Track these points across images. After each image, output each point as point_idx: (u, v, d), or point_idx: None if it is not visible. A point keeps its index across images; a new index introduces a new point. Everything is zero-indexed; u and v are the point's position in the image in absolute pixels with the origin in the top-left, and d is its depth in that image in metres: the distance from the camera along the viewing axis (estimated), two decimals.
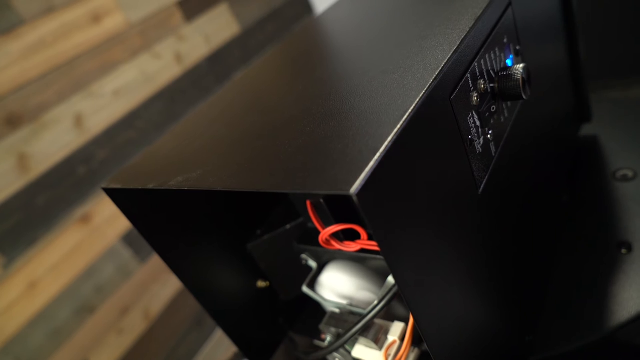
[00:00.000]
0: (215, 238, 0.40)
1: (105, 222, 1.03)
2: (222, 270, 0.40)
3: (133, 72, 1.09)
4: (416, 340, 0.35)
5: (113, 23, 1.05)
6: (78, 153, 1.00)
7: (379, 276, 0.35)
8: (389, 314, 0.34)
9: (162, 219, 0.35)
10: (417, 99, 0.21)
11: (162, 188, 0.25)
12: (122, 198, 0.31)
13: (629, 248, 0.37)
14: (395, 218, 0.19)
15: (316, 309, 0.43)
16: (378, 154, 0.18)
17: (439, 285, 0.23)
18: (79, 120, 1.00)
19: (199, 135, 0.31)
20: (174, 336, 1.15)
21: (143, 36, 1.11)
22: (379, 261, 0.33)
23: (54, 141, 0.96)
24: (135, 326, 1.07)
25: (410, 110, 0.20)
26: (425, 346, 0.35)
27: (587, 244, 0.39)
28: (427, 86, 0.21)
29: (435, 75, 0.22)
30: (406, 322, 0.32)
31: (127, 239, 1.07)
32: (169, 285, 1.15)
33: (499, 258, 0.30)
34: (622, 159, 0.45)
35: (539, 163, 0.37)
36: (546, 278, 0.37)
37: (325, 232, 0.32)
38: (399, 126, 0.19)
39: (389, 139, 0.19)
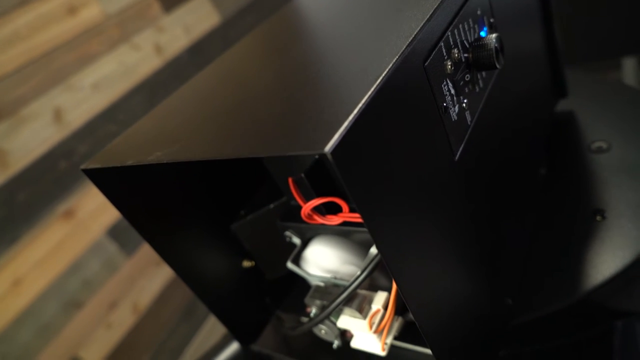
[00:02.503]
0: (199, 219, 0.40)
1: (89, 216, 1.02)
2: (208, 252, 0.40)
3: (112, 64, 1.07)
4: (400, 310, 0.35)
5: (89, 14, 1.03)
6: (58, 147, 0.98)
7: (363, 249, 0.35)
8: (372, 285, 0.35)
9: (145, 200, 0.35)
10: (391, 64, 0.21)
11: (141, 164, 0.25)
12: (103, 179, 0.31)
13: (603, 215, 0.38)
14: (372, 178, 0.19)
15: (302, 288, 0.44)
16: (352, 115, 0.18)
17: (419, 249, 0.24)
18: (58, 114, 0.98)
19: (177, 114, 0.31)
20: (164, 329, 1.14)
21: (121, 27, 1.10)
22: (362, 234, 0.33)
23: (33, 136, 0.94)
24: (124, 320, 1.06)
25: (384, 74, 0.20)
26: (409, 316, 0.36)
27: (563, 212, 0.40)
28: (401, 52, 0.22)
29: (408, 42, 0.23)
30: (389, 291, 0.32)
31: (112, 233, 1.06)
32: (157, 278, 1.14)
33: (477, 224, 0.30)
34: (597, 131, 0.46)
35: (516, 135, 0.38)
36: (524, 245, 0.38)
37: (307, 206, 0.33)
38: (373, 88, 0.20)
39: (363, 100, 0.19)
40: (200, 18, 1.29)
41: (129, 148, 0.29)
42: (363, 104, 0.19)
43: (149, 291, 1.13)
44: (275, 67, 0.31)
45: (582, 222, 0.38)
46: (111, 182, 0.31)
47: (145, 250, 1.12)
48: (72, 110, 1.01)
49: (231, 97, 0.29)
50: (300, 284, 0.48)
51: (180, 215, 0.38)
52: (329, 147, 0.17)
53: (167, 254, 0.37)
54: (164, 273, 1.16)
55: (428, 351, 0.37)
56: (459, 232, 0.28)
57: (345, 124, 0.18)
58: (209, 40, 1.30)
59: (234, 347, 0.48)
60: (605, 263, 0.35)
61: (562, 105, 0.51)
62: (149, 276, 1.13)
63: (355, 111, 0.18)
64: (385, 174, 0.20)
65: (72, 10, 1.00)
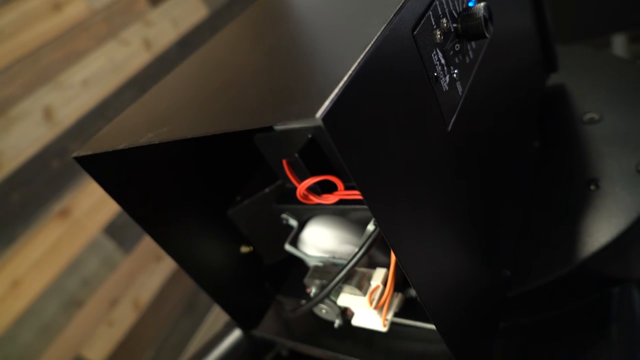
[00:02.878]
0: (196, 207, 0.40)
1: (85, 215, 1.02)
2: (206, 239, 0.40)
3: (101, 61, 1.06)
4: (399, 286, 0.36)
5: (75, 10, 1.02)
6: (50, 147, 0.97)
7: (360, 228, 0.36)
8: (370, 263, 0.35)
9: (140, 188, 0.34)
10: (379, 32, 0.21)
11: (134, 146, 0.25)
12: (96, 167, 0.30)
13: (597, 184, 0.38)
14: (365, 145, 0.19)
15: (301, 271, 0.44)
16: (342, 82, 0.18)
17: (415, 219, 0.24)
18: (48, 113, 0.97)
19: (166, 99, 0.31)
20: (166, 324, 1.15)
21: (108, 23, 1.09)
22: (359, 212, 0.33)
23: (24, 136, 0.93)
24: (125, 317, 1.06)
25: (373, 42, 0.20)
26: (409, 292, 0.36)
27: (557, 183, 0.40)
28: (389, 20, 0.22)
29: (396, 10, 0.22)
30: (388, 268, 0.33)
31: (109, 230, 1.06)
32: (157, 273, 1.14)
33: (472, 196, 0.30)
34: (589, 103, 0.46)
35: (508, 108, 0.38)
36: (520, 216, 0.38)
37: (302, 186, 0.33)
38: (362, 56, 0.19)
39: (353, 67, 0.19)
40: (188, 11, 1.28)
41: (120, 133, 0.29)
42: (353, 71, 0.19)
43: (149, 287, 1.13)
44: (262, 47, 0.30)
45: (576, 192, 0.38)
46: (104, 169, 0.31)
47: (144, 247, 1.12)
48: (63, 109, 1.00)
49: (219, 79, 0.28)
50: (299, 268, 0.48)
51: (176, 203, 0.38)
52: (320, 114, 0.17)
53: (165, 242, 0.37)
54: (164, 269, 1.16)
55: (429, 326, 0.37)
56: (455, 203, 0.28)
57: (336, 90, 0.18)
58: (197, 33, 1.29)
59: (236, 334, 0.48)
60: (600, 231, 0.35)
61: (553, 80, 0.51)
62: (149, 272, 1.13)
63: (345, 78, 0.18)
64: (378, 142, 0.20)
65: (57, 7, 0.99)
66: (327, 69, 0.21)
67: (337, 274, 0.31)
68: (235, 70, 0.28)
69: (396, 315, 0.38)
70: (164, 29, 1.20)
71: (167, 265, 1.17)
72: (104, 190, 0.32)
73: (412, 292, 0.37)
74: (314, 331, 0.44)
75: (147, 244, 1.13)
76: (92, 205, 1.04)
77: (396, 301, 0.34)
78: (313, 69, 0.22)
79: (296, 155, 0.32)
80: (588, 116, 0.44)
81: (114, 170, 0.32)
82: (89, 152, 0.28)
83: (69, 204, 1.00)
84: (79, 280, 1.00)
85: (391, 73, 0.21)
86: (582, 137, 0.43)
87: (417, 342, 0.39)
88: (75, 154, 0.30)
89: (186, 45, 1.25)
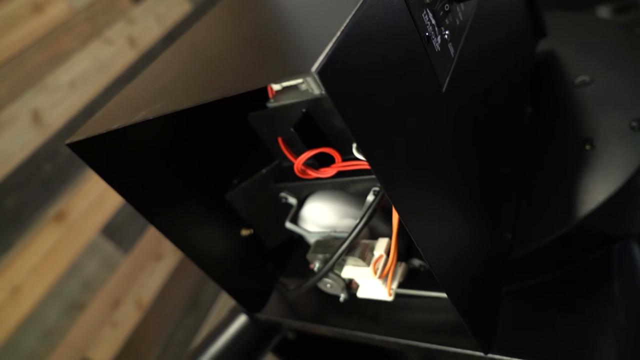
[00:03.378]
0: (193, 191, 0.39)
1: (81, 217, 1.01)
2: (206, 223, 0.40)
3: (86, 61, 1.05)
4: (401, 257, 0.36)
5: (57, 11, 1.01)
6: (41, 150, 0.96)
7: (360, 201, 0.36)
8: (372, 235, 0.35)
9: (137, 173, 0.34)
10: None
11: (128, 124, 0.25)
12: (90, 152, 0.30)
13: (592, 144, 0.38)
14: (362, 100, 0.19)
15: (303, 253, 0.44)
16: (335, 38, 0.18)
17: (416, 179, 0.24)
18: (36, 117, 0.96)
19: (157, 79, 0.31)
20: (170, 322, 1.14)
21: (91, 22, 1.07)
22: (358, 184, 0.33)
23: (14, 140, 0.92)
24: (129, 317, 1.06)
25: (363, 1, 0.20)
26: (412, 262, 0.37)
27: (553, 145, 0.40)
28: None
29: None
30: (390, 237, 0.33)
31: (106, 231, 1.05)
32: (157, 272, 1.14)
33: (470, 159, 0.30)
34: (579, 66, 0.46)
35: (500, 72, 0.38)
36: (517, 179, 0.38)
37: (300, 160, 0.32)
38: (353, 13, 0.19)
39: (345, 23, 0.19)
40: (171, 6, 1.27)
41: (113, 115, 0.28)
42: (345, 27, 0.19)
43: (150, 286, 1.12)
44: (248, 22, 0.30)
45: (572, 153, 0.38)
46: (99, 155, 0.31)
47: (143, 246, 1.12)
48: (51, 111, 0.99)
49: (207, 54, 0.28)
50: (300, 250, 0.48)
51: (175, 188, 0.38)
52: (315, 67, 0.17)
53: (167, 229, 0.37)
54: (164, 267, 1.15)
55: (434, 294, 0.37)
56: (454, 165, 0.28)
57: (330, 45, 0.18)
58: (182, 29, 1.28)
59: (241, 319, 0.48)
60: (598, 188, 0.35)
61: (543, 46, 0.51)
62: (149, 271, 1.13)
63: (338, 34, 0.18)
64: (374, 98, 0.20)
65: (38, 8, 0.98)
66: (318, 30, 0.21)
67: (340, 246, 0.31)
68: (224, 44, 0.28)
69: (400, 286, 0.39)
70: (148, 26, 1.19)
71: (167, 263, 1.17)
72: (100, 177, 0.32)
73: (415, 262, 0.37)
74: (320, 310, 0.44)
75: (146, 243, 1.13)
76: (88, 207, 1.04)
77: (400, 270, 0.34)
78: (304, 32, 0.22)
79: (292, 129, 0.32)
80: (579, 79, 0.45)
81: (110, 156, 0.32)
82: (82, 137, 0.28)
83: (64, 207, 1.00)
84: (80, 283, 0.99)
85: (384, 32, 0.21)
86: (575, 100, 0.43)
87: (423, 312, 0.39)
88: (68, 141, 0.29)
89: (171, 41, 1.24)
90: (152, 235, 1.14)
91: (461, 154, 0.29)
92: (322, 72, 0.17)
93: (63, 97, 1.01)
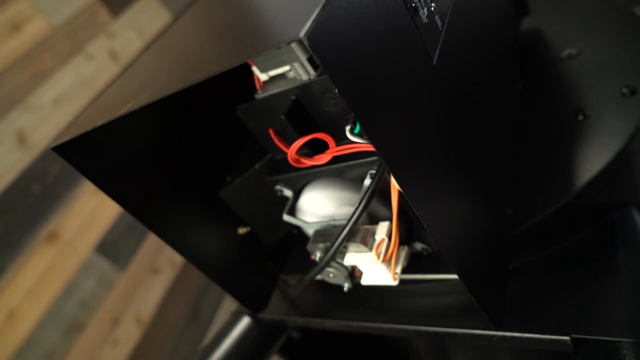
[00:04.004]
0: (186, 192, 0.39)
1: (74, 236, 1.00)
2: (202, 224, 0.39)
3: (69, 78, 1.04)
4: (403, 241, 0.35)
5: (35, 29, 1.00)
6: (28, 171, 0.95)
7: (356, 187, 0.35)
8: (372, 220, 0.34)
9: (126, 175, 0.33)
10: None
11: (114, 118, 0.24)
12: (77, 155, 0.29)
13: (585, 114, 0.38)
14: (354, 70, 0.19)
15: (302, 250, 0.43)
16: (321, 5, 0.17)
17: (416, 154, 0.23)
18: (21, 137, 0.95)
19: (137, 77, 0.30)
20: (172, 336, 1.13)
21: (71, 38, 1.06)
22: (354, 169, 0.33)
23: (0, 163, 0.91)
24: (129, 335, 1.04)
25: None
26: (415, 246, 0.36)
27: (545, 118, 0.40)
28: None
29: None
30: (390, 220, 0.32)
31: (101, 249, 1.04)
32: (155, 286, 1.12)
33: (465, 134, 0.30)
34: (565, 40, 0.46)
35: (486, 49, 0.38)
36: (514, 154, 0.38)
37: (293, 149, 0.32)
38: None
39: None
40: (151, 18, 1.26)
41: (97, 113, 0.28)
42: None
43: (149, 301, 1.11)
44: (228, 9, 0.30)
45: (565, 125, 0.38)
46: (88, 157, 0.30)
47: (139, 261, 1.10)
48: (36, 131, 0.98)
49: (190, 44, 0.28)
50: (300, 246, 0.47)
51: (167, 189, 0.37)
52: (304, 32, 0.16)
53: (162, 232, 0.36)
54: (162, 281, 1.14)
55: (439, 277, 0.37)
56: (451, 140, 0.28)
57: (316, 11, 0.17)
58: None
59: (244, 321, 0.47)
60: (594, 157, 0.35)
61: (527, 24, 0.51)
62: (147, 286, 1.11)
63: (324, 2, 0.18)
64: (367, 68, 0.20)
65: (16, 27, 0.96)
66: (300, 7, 0.20)
67: (341, 233, 0.30)
68: (203, 34, 0.27)
69: (405, 272, 0.38)
70: (129, 39, 1.18)
71: (165, 276, 1.15)
72: (90, 182, 0.31)
73: (417, 246, 0.37)
74: (324, 305, 0.43)
75: (142, 258, 1.11)
76: (80, 225, 1.02)
77: (403, 254, 0.34)
78: (284, 12, 0.21)
79: (282, 117, 0.31)
80: (566, 52, 0.44)
81: (98, 157, 0.31)
82: (68, 138, 0.27)
83: (56, 227, 0.98)
84: (77, 303, 0.97)
85: (370, 1, 0.21)
86: (564, 73, 0.43)
87: (429, 297, 0.38)
88: (54, 144, 0.29)
89: None
90: (148, 250, 1.13)
91: (457, 128, 0.29)
92: (312, 37, 0.16)
93: (47, 115, 1.00)
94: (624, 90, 0.37)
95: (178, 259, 1.16)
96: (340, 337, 0.60)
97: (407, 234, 0.35)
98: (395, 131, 0.22)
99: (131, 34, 1.19)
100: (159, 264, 1.14)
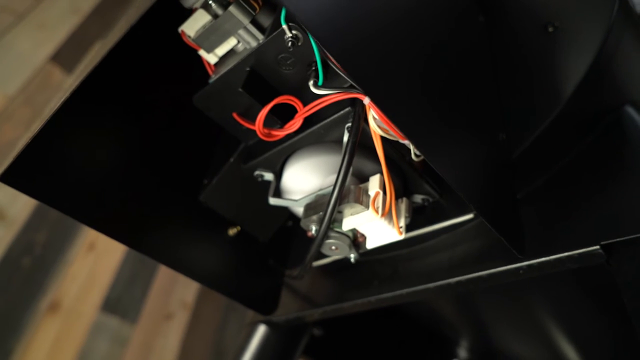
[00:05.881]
0: (162, 203, 0.36)
1: (76, 301, 0.96)
2: (189, 234, 0.37)
3: None
4: (400, 193, 0.33)
5: None
6: (14, 246, 0.92)
7: (338, 152, 0.32)
8: (361, 178, 0.32)
9: (90, 194, 0.31)
10: None
11: (50, 118, 0.22)
12: (26, 180, 0.27)
13: (554, 26, 0.36)
14: None
15: (302, 238, 0.40)
16: None
17: (399, 82, 0.22)
18: (0, 214, 0.92)
19: None
20: None
21: (29, 104, 1.04)
22: (331, 131, 0.30)
23: None
24: None
25: None
26: (414, 198, 0.34)
27: (517, 39, 0.38)
28: None
29: None
30: (381, 172, 0.30)
31: (107, 307, 1.00)
32: (172, 332, 1.08)
33: (439, 60, 0.28)
34: None
35: None
36: (492, 83, 0.36)
37: (259, 121, 0.30)
38: None
39: None
40: None
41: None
42: None
43: (169, 349, 1.06)
44: None
45: (537, 40, 0.36)
46: (37, 180, 0.27)
47: (149, 310, 1.07)
48: (13, 204, 0.95)
49: None
50: (299, 237, 0.45)
51: (141, 205, 0.35)
52: None
53: (149, 250, 0.34)
54: (178, 324, 1.10)
55: (446, 223, 0.34)
56: (432, 66, 0.26)
57: None
58: None
59: (261, 330, 0.44)
60: (574, 63, 0.33)
61: None
62: (163, 334, 1.07)
63: None
64: None
65: None
66: None
67: (331, 196, 0.28)
68: None
69: (410, 229, 0.36)
70: None
71: (179, 320, 1.11)
72: (55, 209, 0.29)
73: (417, 198, 0.34)
74: (336, 290, 0.41)
75: (152, 306, 1.08)
76: (80, 288, 0.99)
77: (403, 207, 0.31)
78: None
79: (240, 89, 0.29)
80: None
81: (49, 179, 0.28)
82: (9, 162, 0.25)
83: (55, 296, 0.95)
84: None
85: None
86: None
87: (441, 251, 0.36)
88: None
89: None
90: (156, 297, 1.09)
91: (430, 54, 0.27)
92: None
93: None
94: None
95: (189, 298, 1.13)
96: (365, 326, 0.57)
97: (402, 186, 0.33)
98: (373, 57, 0.20)
99: None
100: (170, 308, 1.10)
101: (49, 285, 0.93)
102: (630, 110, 0.35)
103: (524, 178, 0.34)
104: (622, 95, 0.36)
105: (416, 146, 0.24)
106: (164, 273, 1.09)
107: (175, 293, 1.12)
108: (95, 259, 1.03)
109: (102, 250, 1.05)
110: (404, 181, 0.34)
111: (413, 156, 0.29)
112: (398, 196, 0.31)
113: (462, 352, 0.65)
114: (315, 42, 0.26)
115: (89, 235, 1.04)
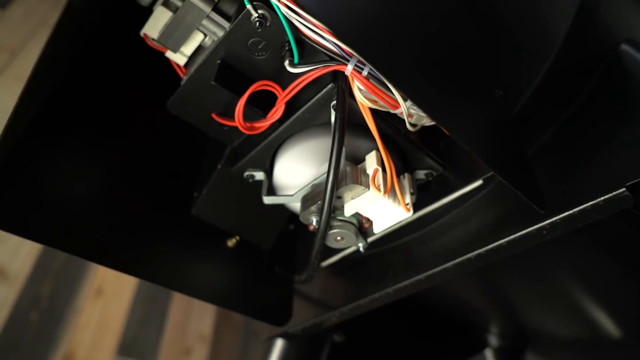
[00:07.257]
0: (155, 224, 0.34)
1: (90, 350, 0.94)
2: (188, 253, 0.35)
3: None
4: (400, 169, 0.31)
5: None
6: (20, 302, 0.90)
7: (327, 135, 0.30)
8: (357, 160, 0.30)
9: (75, 224, 0.29)
10: None
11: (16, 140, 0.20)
12: (19, 222, 0.25)
13: None
14: None
15: (307, 240, 0.38)
16: None
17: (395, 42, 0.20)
18: (1, 272, 0.91)
19: None
20: None
21: None
22: (316, 114, 0.28)
23: None
24: None
25: None
26: (417, 174, 0.32)
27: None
28: None
29: None
30: (377, 148, 0.27)
31: (123, 351, 0.97)
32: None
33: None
34: None
35: None
36: (480, 44, 0.34)
37: (239, 114, 0.27)
38: None
39: None
40: None
41: None
42: None
43: None
44: None
45: None
46: (32, 217, 0.25)
47: (167, 348, 1.04)
48: (14, 260, 0.94)
49: None
50: (303, 239, 0.42)
51: (133, 228, 0.33)
52: None
53: (149, 275, 0.32)
54: (198, 357, 1.07)
55: (454, 195, 0.32)
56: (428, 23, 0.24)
57: None
58: None
59: (279, 344, 0.41)
60: (560, 10, 0.32)
61: None
62: None
63: None
64: None
65: None
66: None
67: (327, 180, 0.26)
68: None
69: (418, 208, 0.33)
70: None
71: (198, 354, 1.08)
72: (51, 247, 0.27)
73: (420, 174, 0.32)
74: (351, 288, 0.38)
75: (168, 344, 1.04)
76: (92, 336, 0.96)
77: (406, 182, 0.29)
78: None
79: (213, 83, 0.27)
80: None
81: (28, 211, 0.26)
82: None
83: (69, 347, 0.92)
84: None
85: None
86: None
87: (455, 228, 0.34)
88: None
89: None
90: (171, 333, 1.06)
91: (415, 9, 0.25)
92: None
93: (18, 243, 0.95)
94: None
95: (206, 330, 1.10)
96: (388, 328, 0.55)
97: (402, 162, 0.31)
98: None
99: None
100: (187, 343, 1.07)
101: (61, 337, 0.91)
102: (626, 47, 0.33)
103: (530, 134, 0.32)
104: (615, 35, 0.34)
105: (421, 107, 0.23)
106: (176, 308, 1.06)
107: (190, 326, 1.09)
108: (104, 303, 1.01)
109: (110, 294, 1.02)
110: (403, 159, 0.32)
111: (408, 126, 0.27)
112: (399, 173, 0.29)
113: (493, 339, 0.62)
114: (286, 20, 0.24)
115: (96, 280, 1.02)
